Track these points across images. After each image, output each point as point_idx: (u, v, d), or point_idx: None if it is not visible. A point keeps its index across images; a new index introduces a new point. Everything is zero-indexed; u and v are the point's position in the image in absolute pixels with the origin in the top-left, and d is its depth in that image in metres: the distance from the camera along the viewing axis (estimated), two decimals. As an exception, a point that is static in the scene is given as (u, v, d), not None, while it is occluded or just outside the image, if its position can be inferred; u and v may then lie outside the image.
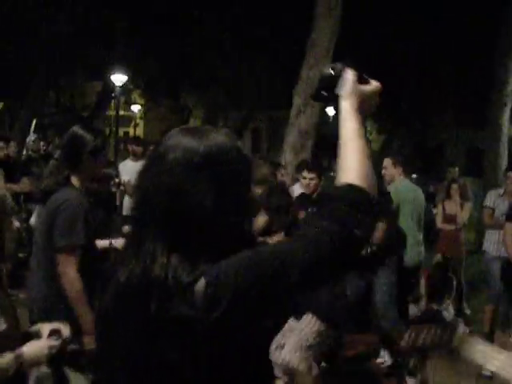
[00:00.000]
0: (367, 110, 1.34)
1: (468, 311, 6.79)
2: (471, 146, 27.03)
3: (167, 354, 1.10)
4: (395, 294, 5.25)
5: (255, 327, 1.14)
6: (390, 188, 5.44)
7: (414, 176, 25.19)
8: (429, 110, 19.68)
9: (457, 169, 8.66)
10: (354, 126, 1.27)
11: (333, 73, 1.33)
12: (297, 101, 8.02)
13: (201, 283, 1.07)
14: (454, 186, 6.88)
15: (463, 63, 16.27)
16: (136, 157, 6.73)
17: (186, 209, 1.14)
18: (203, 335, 1.07)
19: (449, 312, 5.49)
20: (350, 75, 1.32)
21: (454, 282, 6.48)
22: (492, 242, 5.87)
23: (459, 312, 6.64)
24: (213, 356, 1.09)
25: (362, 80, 1.34)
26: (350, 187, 1.19)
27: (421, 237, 5.68)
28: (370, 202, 1.19)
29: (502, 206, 5.82)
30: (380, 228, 4.63)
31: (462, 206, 6.80)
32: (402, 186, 5.56)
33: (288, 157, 7.79)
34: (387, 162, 5.62)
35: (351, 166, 1.23)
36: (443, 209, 6.90)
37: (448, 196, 6.92)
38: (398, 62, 16.25)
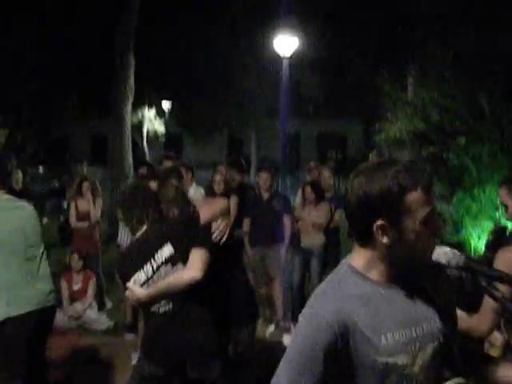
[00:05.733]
0: None
1: (110, 304, 6.97)
2: (96, 134, 27.67)
3: None
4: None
5: None
6: None
7: (41, 167, 24.49)
8: (53, 105, 19.55)
9: (85, 167, 8.61)
10: None
11: None
12: None
13: None
14: (85, 184, 6.89)
15: (84, 56, 16.46)
16: None
17: None
18: None
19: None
20: None
21: (94, 279, 6.58)
22: (127, 235, 6.05)
23: (102, 305, 6.78)
24: None
25: None
26: None
27: None
28: None
29: None
30: None
31: (94, 202, 6.89)
32: None
33: None
34: None
35: None
36: (76, 207, 6.86)
37: (79, 193, 6.90)
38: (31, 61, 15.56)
